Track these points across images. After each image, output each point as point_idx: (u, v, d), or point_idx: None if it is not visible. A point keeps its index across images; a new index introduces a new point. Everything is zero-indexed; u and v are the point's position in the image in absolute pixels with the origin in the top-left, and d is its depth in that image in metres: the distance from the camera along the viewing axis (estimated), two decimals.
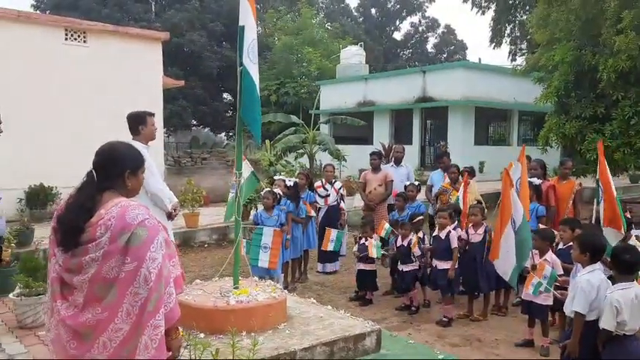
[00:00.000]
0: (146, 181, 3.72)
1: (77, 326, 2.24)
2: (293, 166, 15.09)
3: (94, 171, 2.41)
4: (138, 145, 3.88)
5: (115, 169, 2.42)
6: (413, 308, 6.34)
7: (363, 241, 6.78)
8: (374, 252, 6.48)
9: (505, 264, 5.26)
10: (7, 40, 10.82)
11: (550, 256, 5.08)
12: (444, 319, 5.87)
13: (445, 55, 51.74)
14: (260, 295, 4.59)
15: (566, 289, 4.67)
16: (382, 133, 23.39)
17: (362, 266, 6.69)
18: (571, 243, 5.10)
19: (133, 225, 2.23)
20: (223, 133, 40.07)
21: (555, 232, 5.58)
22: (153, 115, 4.96)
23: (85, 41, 11.95)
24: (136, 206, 2.33)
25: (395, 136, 23.31)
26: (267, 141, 16.59)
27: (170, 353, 2.37)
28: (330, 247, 7.37)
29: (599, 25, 11.01)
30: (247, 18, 4.57)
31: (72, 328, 2.26)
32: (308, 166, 15.79)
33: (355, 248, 6.99)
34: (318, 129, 17.28)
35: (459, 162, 8.92)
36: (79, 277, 2.25)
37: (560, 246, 5.41)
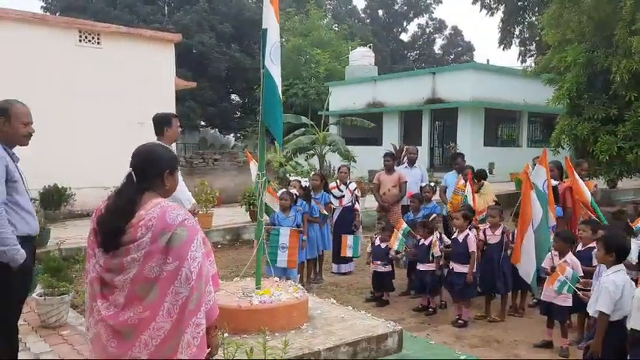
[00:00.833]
0: None
1: (118, 325, 2.27)
2: (303, 167, 15.13)
3: (132, 172, 2.44)
4: None
5: (153, 169, 2.45)
6: (430, 309, 6.36)
7: (378, 242, 6.81)
8: (396, 244, 6.51)
9: (527, 266, 5.27)
10: (22, 42, 10.91)
11: (570, 257, 5.08)
12: (460, 320, 5.89)
13: (452, 57, 51.66)
14: (282, 295, 4.63)
15: (587, 290, 4.69)
16: (391, 134, 23.38)
17: (379, 268, 6.72)
18: (590, 245, 5.12)
19: (173, 225, 2.26)
20: (232, 134, 40.17)
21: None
22: (177, 117, 5.00)
23: (98, 43, 12.04)
24: (175, 207, 2.37)
25: (404, 137, 23.29)
26: (275, 142, 16.56)
27: (209, 350, 2.41)
28: (349, 252, 7.60)
29: (612, 26, 10.99)
30: (270, 20, 4.64)
31: (112, 328, 2.28)
32: (318, 167, 15.81)
33: (369, 249, 7.02)
34: (328, 130, 17.31)
35: (469, 163, 8.91)
36: (120, 277, 2.28)
37: (579, 247, 5.40)
